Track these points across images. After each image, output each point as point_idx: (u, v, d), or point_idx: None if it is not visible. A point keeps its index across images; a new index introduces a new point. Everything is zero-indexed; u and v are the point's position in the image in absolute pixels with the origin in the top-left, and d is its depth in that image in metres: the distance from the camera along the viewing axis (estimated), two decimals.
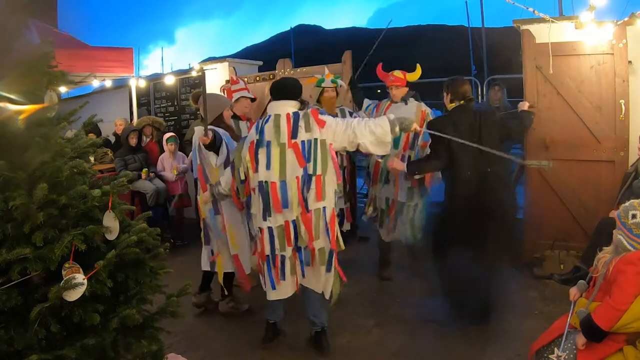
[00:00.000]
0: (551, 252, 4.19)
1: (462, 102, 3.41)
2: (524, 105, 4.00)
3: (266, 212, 2.92)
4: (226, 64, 6.67)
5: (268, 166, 2.89)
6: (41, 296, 1.65)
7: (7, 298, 1.60)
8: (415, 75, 4.21)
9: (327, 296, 3.01)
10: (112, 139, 6.63)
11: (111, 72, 6.35)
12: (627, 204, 2.19)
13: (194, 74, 6.89)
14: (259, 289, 3.40)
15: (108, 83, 6.88)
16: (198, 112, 6.29)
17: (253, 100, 4.26)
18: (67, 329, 1.71)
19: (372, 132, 2.86)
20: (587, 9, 3.80)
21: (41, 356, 1.56)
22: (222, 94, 4.29)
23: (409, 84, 4.21)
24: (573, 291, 2.34)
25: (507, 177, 3.46)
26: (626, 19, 3.82)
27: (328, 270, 2.95)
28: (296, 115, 2.93)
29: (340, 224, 4.51)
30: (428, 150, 3.83)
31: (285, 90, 3.04)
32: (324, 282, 2.98)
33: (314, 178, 2.86)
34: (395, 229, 4.17)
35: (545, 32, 4.12)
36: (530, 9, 4.10)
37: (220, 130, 3.42)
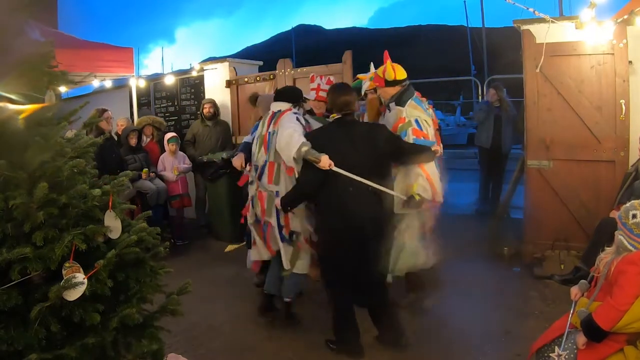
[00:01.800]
0: (551, 252, 4.19)
1: (340, 115, 3.05)
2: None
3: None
4: (226, 64, 6.68)
5: (256, 153, 3.52)
6: (41, 296, 1.65)
7: (7, 298, 1.60)
8: (396, 74, 3.46)
9: (285, 265, 3.35)
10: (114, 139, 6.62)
11: (111, 72, 6.35)
12: (627, 204, 2.19)
13: (194, 73, 6.89)
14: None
15: (108, 83, 6.87)
16: (198, 112, 6.35)
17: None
18: (67, 329, 1.70)
19: (288, 143, 3.02)
20: (587, 7, 3.80)
21: (41, 356, 1.56)
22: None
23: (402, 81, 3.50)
24: (574, 290, 2.34)
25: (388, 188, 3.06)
26: (625, 16, 3.82)
27: (282, 240, 3.34)
28: (277, 112, 3.39)
29: None
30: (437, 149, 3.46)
31: (281, 94, 3.53)
32: (283, 252, 3.35)
33: (267, 163, 3.37)
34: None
35: (546, 32, 4.12)
36: (531, 9, 4.11)
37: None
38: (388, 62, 3.52)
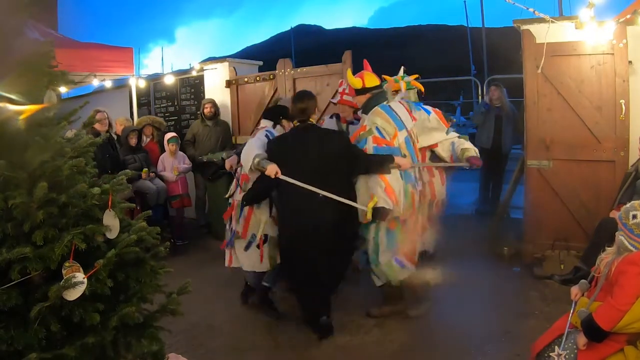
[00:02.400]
0: (551, 252, 4.19)
1: (298, 123, 3.21)
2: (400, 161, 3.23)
3: None
4: (226, 64, 6.67)
5: None
6: (41, 295, 1.65)
7: (7, 298, 1.59)
8: (365, 82, 3.45)
9: (250, 268, 3.59)
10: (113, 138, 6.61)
11: (111, 72, 6.36)
12: (627, 204, 2.19)
13: (194, 73, 6.89)
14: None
15: (108, 83, 6.87)
16: (198, 112, 6.35)
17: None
18: (67, 329, 1.70)
19: (246, 155, 3.27)
20: (585, 7, 3.79)
21: (41, 355, 1.55)
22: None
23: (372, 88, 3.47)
24: (574, 290, 2.34)
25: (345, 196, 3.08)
26: (627, 16, 3.81)
27: (245, 249, 3.53)
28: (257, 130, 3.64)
29: None
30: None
31: (264, 112, 3.83)
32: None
33: (241, 175, 3.54)
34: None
35: (546, 33, 4.12)
36: (531, 9, 4.10)
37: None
38: (349, 71, 3.59)
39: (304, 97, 3.23)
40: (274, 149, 3.18)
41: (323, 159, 3.05)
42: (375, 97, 3.44)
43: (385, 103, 3.41)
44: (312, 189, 2.96)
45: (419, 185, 3.40)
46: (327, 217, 3.01)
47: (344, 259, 3.24)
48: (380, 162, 3.16)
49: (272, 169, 3.04)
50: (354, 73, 3.64)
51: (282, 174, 3.05)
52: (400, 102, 3.49)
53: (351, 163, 3.13)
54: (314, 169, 3.02)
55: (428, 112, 3.53)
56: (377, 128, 3.29)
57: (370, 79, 3.48)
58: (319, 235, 3.01)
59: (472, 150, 3.44)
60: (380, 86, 3.50)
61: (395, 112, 3.35)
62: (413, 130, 3.41)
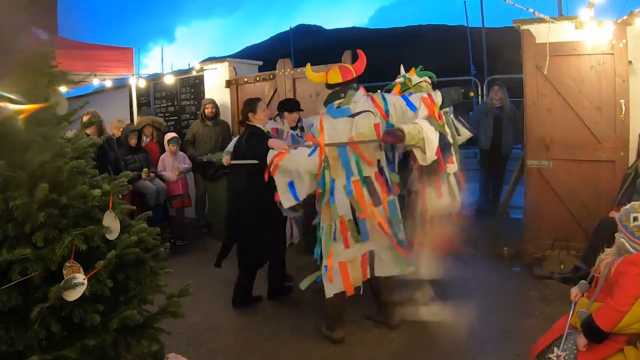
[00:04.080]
0: (551, 252, 4.19)
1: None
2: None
3: None
4: (226, 64, 6.67)
5: None
6: (41, 296, 1.65)
7: (7, 298, 1.59)
8: (328, 78, 3.21)
9: None
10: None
11: (111, 72, 6.34)
12: (627, 206, 2.19)
13: (194, 73, 6.89)
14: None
15: (108, 83, 6.86)
16: (198, 112, 6.35)
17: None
18: (67, 329, 1.70)
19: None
20: (586, 6, 3.79)
21: (41, 356, 1.55)
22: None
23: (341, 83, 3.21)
24: (574, 291, 2.34)
25: (258, 189, 3.54)
26: (625, 17, 3.81)
27: None
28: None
29: None
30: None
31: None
32: None
33: None
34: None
35: (546, 32, 4.12)
36: (530, 9, 4.10)
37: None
38: (308, 66, 3.57)
39: (244, 104, 3.90)
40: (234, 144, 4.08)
41: (245, 149, 3.73)
42: (330, 96, 3.21)
43: (336, 104, 3.16)
44: (249, 162, 3.57)
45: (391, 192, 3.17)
46: (249, 195, 3.70)
47: (268, 226, 3.73)
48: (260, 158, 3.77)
49: (225, 160, 4.04)
50: None
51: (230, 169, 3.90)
52: (369, 95, 3.21)
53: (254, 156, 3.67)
54: (242, 156, 3.72)
55: (414, 109, 3.14)
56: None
57: (333, 76, 3.18)
58: (244, 209, 3.75)
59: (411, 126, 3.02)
60: (343, 84, 3.16)
61: (338, 119, 3.14)
62: (363, 134, 3.11)
